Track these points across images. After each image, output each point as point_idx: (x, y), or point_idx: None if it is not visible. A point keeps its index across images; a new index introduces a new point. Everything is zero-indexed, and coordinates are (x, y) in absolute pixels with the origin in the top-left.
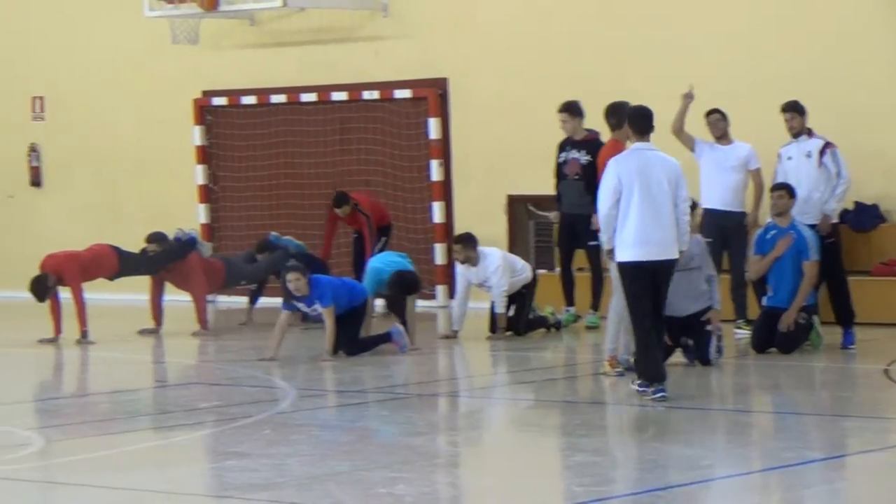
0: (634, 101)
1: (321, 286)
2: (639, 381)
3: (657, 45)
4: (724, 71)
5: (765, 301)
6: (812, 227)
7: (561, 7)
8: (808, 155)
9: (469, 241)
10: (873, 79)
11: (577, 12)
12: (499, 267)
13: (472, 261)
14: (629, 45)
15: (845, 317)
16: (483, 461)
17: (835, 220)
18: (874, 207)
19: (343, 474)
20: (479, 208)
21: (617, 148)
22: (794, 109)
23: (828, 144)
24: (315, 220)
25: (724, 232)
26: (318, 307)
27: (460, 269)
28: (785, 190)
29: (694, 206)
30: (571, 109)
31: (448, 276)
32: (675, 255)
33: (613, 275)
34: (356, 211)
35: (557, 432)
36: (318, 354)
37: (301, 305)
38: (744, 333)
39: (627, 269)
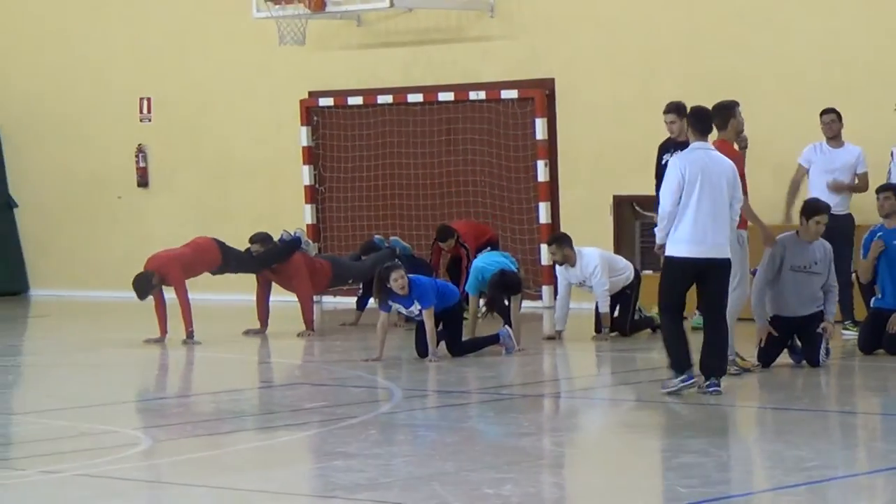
0: (743, 102)
1: (421, 287)
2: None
3: (766, 46)
4: (837, 69)
5: (873, 302)
6: None
7: (667, 6)
8: None
9: (563, 240)
10: None
11: (685, 11)
12: (597, 266)
13: (570, 260)
14: (738, 45)
15: None
16: (588, 462)
17: None
18: None
19: (449, 475)
20: (585, 209)
21: (724, 148)
22: None
23: None
24: (420, 221)
25: (830, 233)
26: (415, 308)
27: (559, 270)
28: (891, 191)
29: (823, 209)
30: (679, 110)
31: (553, 277)
32: (729, 255)
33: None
34: (458, 244)
35: (662, 433)
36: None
37: (398, 306)
38: (850, 335)
39: (677, 264)
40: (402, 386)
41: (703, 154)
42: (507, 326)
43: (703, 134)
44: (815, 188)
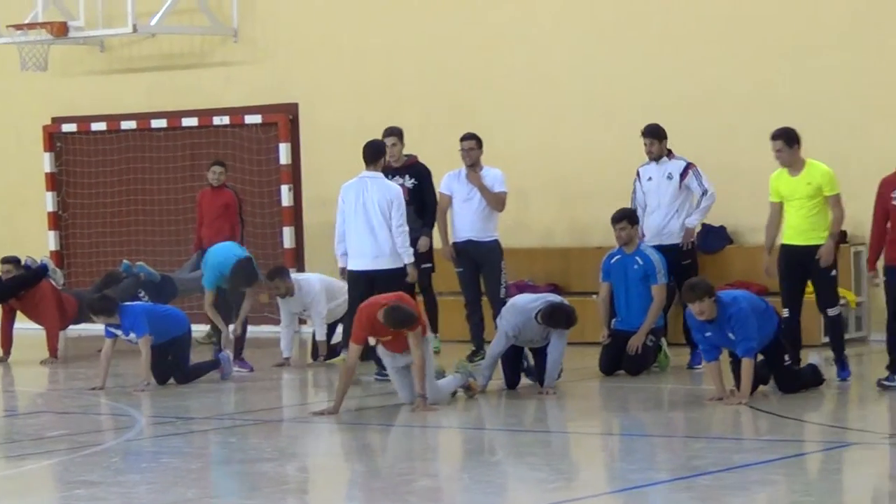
0: (484, 128)
1: (134, 315)
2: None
3: (508, 74)
4: (587, 95)
5: (613, 324)
6: (675, 246)
7: (409, 33)
8: (670, 177)
9: (282, 273)
10: (730, 101)
11: (427, 39)
12: (318, 293)
13: (290, 291)
14: (476, 71)
15: None
16: (330, 486)
17: (697, 229)
18: (721, 229)
19: (191, 502)
20: (329, 233)
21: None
22: (652, 135)
23: (689, 166)
24: (165, 247)
25: (475, 260)
26: (133, 336)
27: (281, 302)
28: (626, 220)
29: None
30: (401, 134)
31: None
32: (391, 266)
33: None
34: (226, 188)
35: (402, 456)
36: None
37: (119, 333)
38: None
39: (349, 277)
40: (146, 413)
41: (363, 182)
42: (226, 351)
43: (368, 163)
44: (459, 217)
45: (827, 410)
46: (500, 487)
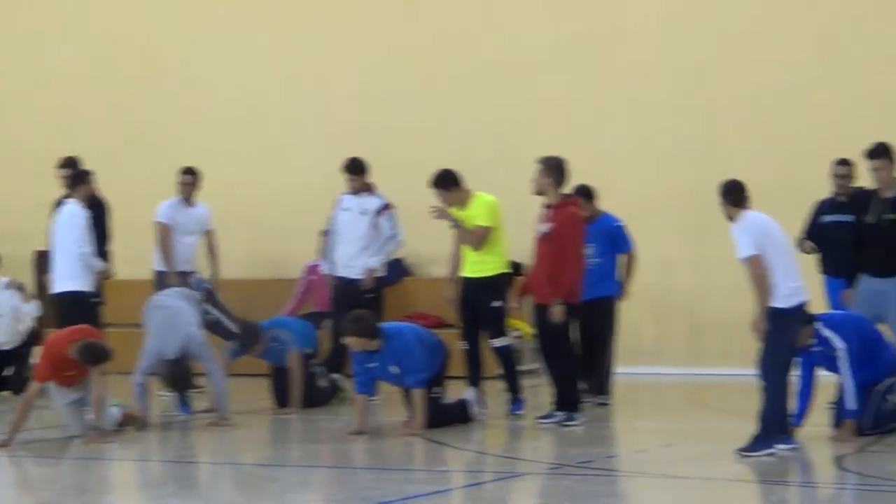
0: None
1: None
2: None
3: (198, 99)
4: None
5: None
6: (357, 280)
7: (84, 58)
8: (364, 212)
9: None
10: (403, 135)
11: (105, 64)
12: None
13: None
14: (169, 100)
15: None
16: None
17: (380, 273)
18: (398, 262)
19: None
20: None
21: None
22: (349, 170)
23: (386, 206)
24: None
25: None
26: None
27: None
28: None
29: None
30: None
31: None
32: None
33: None
34: None
35: (76, 490)
36: None
37: None
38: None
39: None
40: None
41: None
42: None
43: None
44: (179, 247)
45: (500, 441)
46: None
